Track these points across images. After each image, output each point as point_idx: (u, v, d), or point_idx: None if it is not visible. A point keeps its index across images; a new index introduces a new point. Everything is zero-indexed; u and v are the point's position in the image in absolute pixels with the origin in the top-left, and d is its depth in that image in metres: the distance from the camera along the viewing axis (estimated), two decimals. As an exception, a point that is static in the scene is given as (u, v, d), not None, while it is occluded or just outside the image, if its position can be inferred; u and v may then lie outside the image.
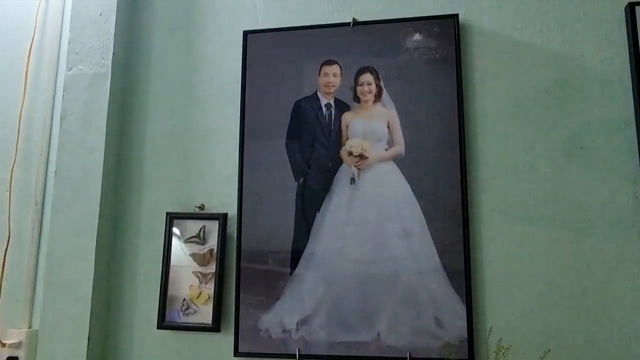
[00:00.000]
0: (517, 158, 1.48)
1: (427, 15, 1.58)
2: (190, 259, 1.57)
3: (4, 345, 1.58)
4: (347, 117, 1.57)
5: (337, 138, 1.56)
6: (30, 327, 1.64)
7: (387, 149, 1.53)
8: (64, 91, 1.69)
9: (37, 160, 1.74)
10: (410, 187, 1.49)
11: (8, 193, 1.72)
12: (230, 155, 1.63)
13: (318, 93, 1.60)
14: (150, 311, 1.58)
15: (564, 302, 1.39)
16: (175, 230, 1.60)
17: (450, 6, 1.58)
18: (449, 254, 1.43)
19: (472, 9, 1.58)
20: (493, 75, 1.53)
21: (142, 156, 1.70)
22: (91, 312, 1.53)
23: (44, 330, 1.55)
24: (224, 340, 1.52)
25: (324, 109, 1.59)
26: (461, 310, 1.40)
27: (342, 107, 1.58)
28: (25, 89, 1.79)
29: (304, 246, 1.52)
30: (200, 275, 1.56)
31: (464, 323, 1.39)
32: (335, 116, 1.58)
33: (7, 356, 1.57)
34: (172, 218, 1.60)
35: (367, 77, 1.57)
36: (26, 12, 1.84)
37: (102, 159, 1.61)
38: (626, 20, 1.47)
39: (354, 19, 1.62)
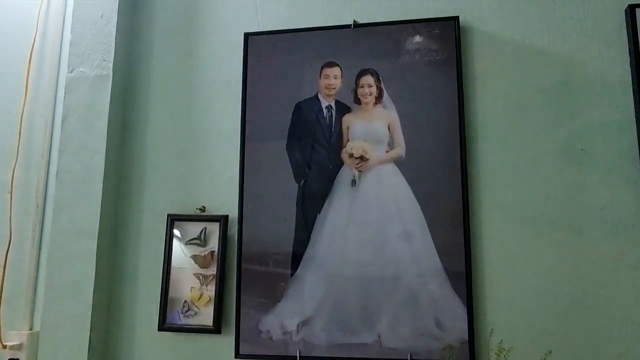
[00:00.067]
0: (518, 160, 1.48)
1: (427, 17, 1.58)
2: (191, 260, 1.58)
3: (4, 347, 1.58)
4: (347, 119, 1.57)
5: (337, 140, 1.57)
6: (31, 329, 1.64)
7: (387, 151, 1.53)
8: (65, 93, 1.69)
9: (38, 161, 1.74)
10: (411, 188, 1.49)
11: (9, 195, 1.72)
12: (231, 157, 1.63)
13: (319, 95, 1.60)
14: (151, 313, 1.58)
15: (564, 303, 1.39)
16: (176, 232, 1.60)
17: (451, 8, 1.59)
18: (450, 256, 1.43)
19: (473, 11, 1.58)
20: (493, 77, 1.53)
21: (143, 158, 1.71)
22: (92, 314, 1.53)
23: (45, 332, 1.56)
24: (225, 342, 1.52)
25: (324, 110, 1.59)
26: (462, 311, 1.40)
27: (342, 109, 1.58)
28: (26, 90, 1.79)
29: (305, 248, 1.52)
30: (201, 277, 1.56)
31: (464, 325, 1.39)
32: (335, 118, 1.58)
33: (8, 358, 1.57)
34: (173, 220, 1.61)
35: (368, 79, 1.57)
36: (27, 13, 1.84)
37: (103, 161, 1.61)
38: (626, 22, 1.47)
39: (354, 21, 1.62)
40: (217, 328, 1.51)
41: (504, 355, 1.31)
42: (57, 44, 1.82)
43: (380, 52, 1.58)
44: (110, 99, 1.66)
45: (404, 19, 1.59)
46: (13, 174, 1.74)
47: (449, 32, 1.55)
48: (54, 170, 1.67)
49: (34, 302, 1.66)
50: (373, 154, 1.53)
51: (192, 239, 1.59)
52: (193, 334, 1.54)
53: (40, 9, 1.84)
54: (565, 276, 1.40)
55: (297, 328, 1.48)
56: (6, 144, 1.77)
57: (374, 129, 1.55)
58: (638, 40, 1.44)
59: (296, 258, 1.52)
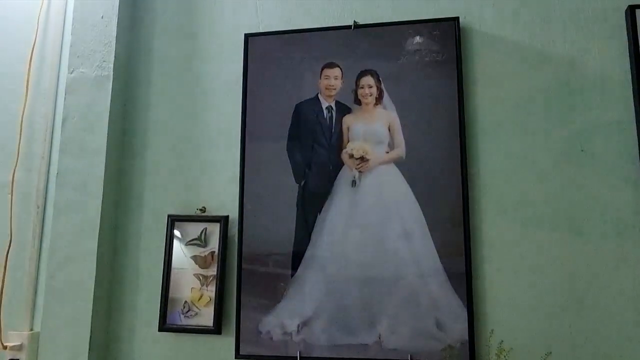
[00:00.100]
0: (518, 160, 1.48)
1: (427, 18, 1.58)
2: (192, 261, 1.58)
3: (5, 347, 1.59)
4: (348, 120, 1.57)
5: (338, 140, 1.57)
6: (31, 330, 1.64)
7: (388, 152, 1.53)
8: (65, 94, 1.70)
9: (38, 162, 1.74)
10: (411, 189, 1.49)
11: (10, 196, 1.72)
12: (232, 157, 1.63)
13: (319, 96, 1.61)
14: (152, 313, 1.58)
15: (564, 304, 1.39)
16: (176, 232, 1.60)
17: (451, 9, 1.59)
18: (450, 256, 1.44)
19: (473, 12, 1.58)
20: (493, 77, 1.53)
21: (143, 159, 1.71)
22: (92, 315, 1.53)
23: (45, 332, 1.56)
24: (225, 343, 1.52)
25: (324, 111, 1.59)
26: (462, 312, 1.40)
27: (343, 109, 1.58)
28: (26, 91, 1.79)
29: (305, 248, 1.52)
30: (201, 278, 1.56)
31: (465, 325, 1.39)
32: (336, 119, 1.58)
33: (8, 358, 1.58)
34: (173, 220, 1.61)
35: (368, 80, 1.57)
36: (28, 14, 1.85)
37: (104, 162, 1.62)
38: (626, 22, 1.47)
39: (354, 21, 1.62)
40: (217, 328, 1.51)
41: (504, 356, 1.31)
42: (58, 45, 1.82)
43: (380, 53, 1.58)
44: (111, 100, 1.66)
45: (404, 20, 1.59)
46: (14, 174, 1.74)
47: (449, 32, 1.55)
48: (55, 171, 1.67)
49: (34, 302, 1.66)
50: (373, 155, 1.53)
51: (193, 240, 1.59)
52: (193, 334, 1.54)
53: (40, 10, 1.84)
54: (565, 276, 1.40)
55: (298, 328, 1.48)
56: (7, 144, 1.77)
57: (374, 130, 1.55)
58: (638, 40, 1.44)
59: (296, 258, 1.52)
